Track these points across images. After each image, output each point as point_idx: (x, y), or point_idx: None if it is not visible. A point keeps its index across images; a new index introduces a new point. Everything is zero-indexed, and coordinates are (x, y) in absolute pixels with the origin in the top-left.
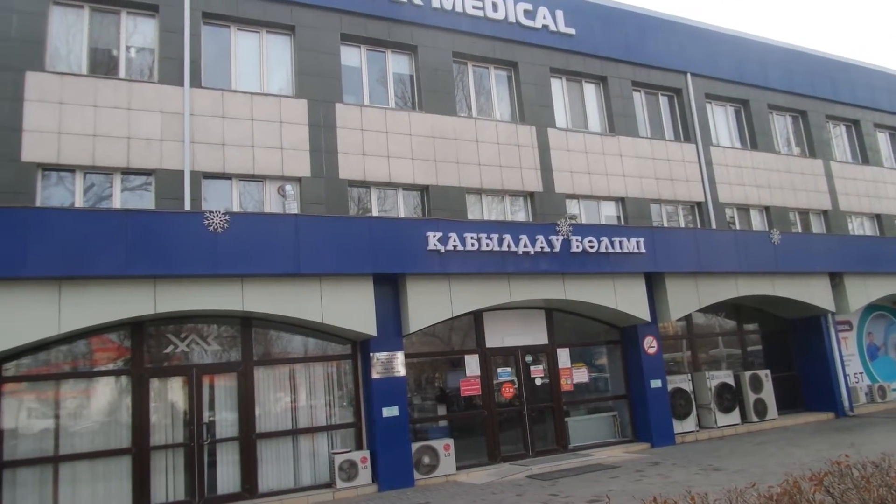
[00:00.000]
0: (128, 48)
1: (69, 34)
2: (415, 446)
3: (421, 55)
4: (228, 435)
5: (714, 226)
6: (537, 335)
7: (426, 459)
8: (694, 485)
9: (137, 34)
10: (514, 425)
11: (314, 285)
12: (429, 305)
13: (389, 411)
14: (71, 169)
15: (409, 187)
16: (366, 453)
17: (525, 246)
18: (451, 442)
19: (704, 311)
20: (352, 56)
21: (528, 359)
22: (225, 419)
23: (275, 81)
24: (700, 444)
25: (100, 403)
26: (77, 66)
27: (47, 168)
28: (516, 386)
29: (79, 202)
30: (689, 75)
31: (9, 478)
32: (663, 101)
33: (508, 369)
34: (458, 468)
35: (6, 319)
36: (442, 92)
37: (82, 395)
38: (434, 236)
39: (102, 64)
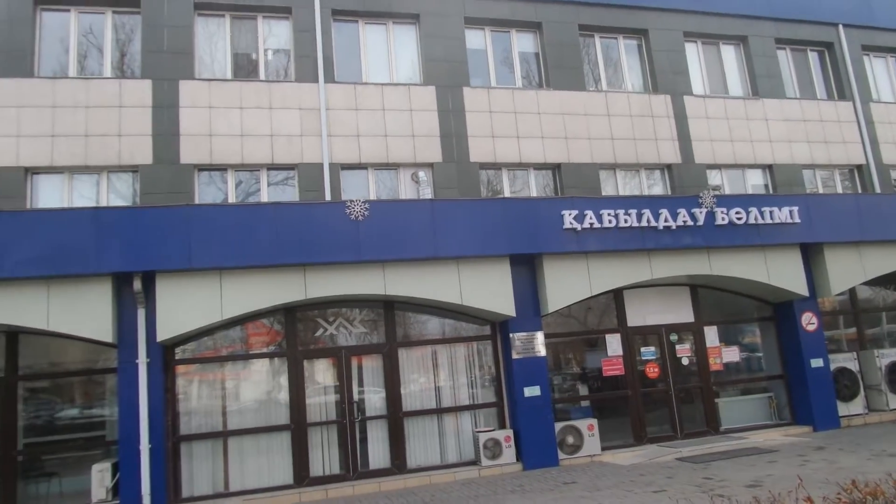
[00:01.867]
0: (265, 51)
1: (212, 42)
2: (558, 426)
3: (546, 31)
4: (377, 413)
5: (878, 190)
6: (682, 313)
7: (570, 439)
8: (866, 471)
9: (273, 37)
10: (660, 406)
11: (452, 268)
12: (567, 285)
13: (531, 391)
14: (223, 168)
15: (539, 166)
16: (509, 432)
17: (666, 220)
18: (594, 422)
19: (870, 283)
20: (476, 39)
21: (673, 337)
22: (373, 398)
23: (403, 71)
24: (870, 427)
25: (258, 383)
26: (222, 71)
27: (202, 168)
28: (661, 365)
29: (231, 198)
30: (841, 27)
31: (186, 450)
32: (812, 57)
33: (652, 348)
34: (603, 449)
35: (177, 308)
36: (569, 67)
37: (243, 375)
38: (570, 215)
39: (244, 68)
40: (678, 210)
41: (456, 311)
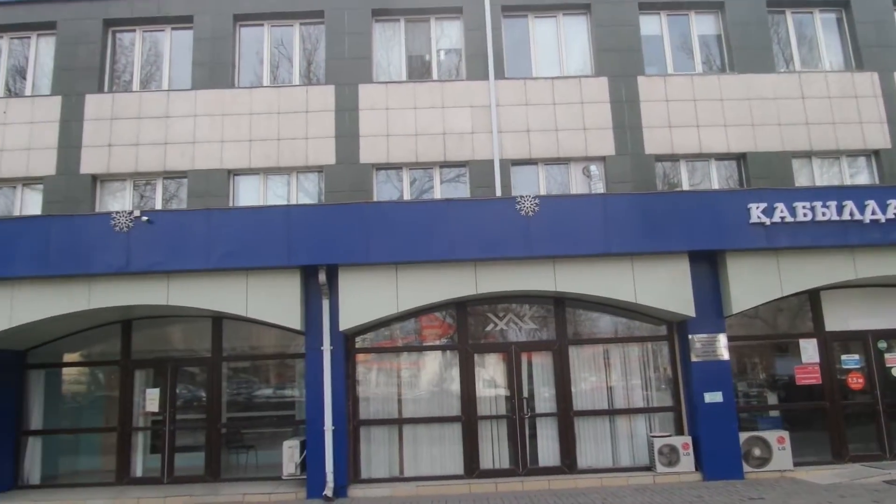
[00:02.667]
0: (438, 51)
1: (388, 46)
2: (742, 436)
3: (729, 11)
4: (547, 410)
5: None
6: (893, 317)
7: (756, 451)
8: None
9: (445, 37)
10: (865, 421)
11: (625, 265)
12: (753, 284)
13: (712, 397)
14: (398, 166)
15: (722, 157)
16: (687, 439)
17: (873, 213)
18: (785, 434)
19: None
20: (651, 25)
21: (882, 345)
22: (543, 395)
23: (573, 63)
24: None
25: (431, 374)
26: (397, 74)
27: (380, 167)
28: (866, 376)
29: (406, 195)
30: None
31: (365, 434)
32: None
33: (856, 356)
34: (795, 464)
35: (358, 300)
36: (755, 48)
37: (416, 366)
38: (757, 208)
39: (417, 69)
40: (888, 201)
41: (629, 309)
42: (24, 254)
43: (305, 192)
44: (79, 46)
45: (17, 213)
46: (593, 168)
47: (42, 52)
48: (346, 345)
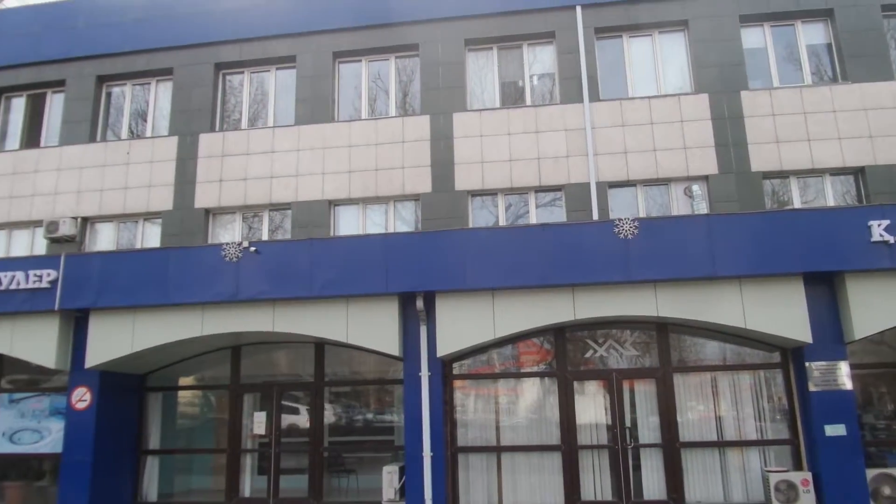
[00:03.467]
0: (531, 76)
1: (481, 74)
2: (870, 473)
3: (839, 18)
4: (651, 441)
5: None
6: None
7: (886, 490)
8: None
9: (538, 62)
10: None
11: (733, 288)
12: (878, 308)
13: (833, 429)
14: (493, 192)
15: (837, 172)
16: (807, 475)
17: None
18: None
19: None
20: (754, 37)
21: None
22: (646, 424)
23: (671, 81)
24: None
25: (529, 401)
26: (491, 101)
27: (475, 194)
28: None
29: (501, 221)
30: None
31: (463, 461)
32: None
33: None
34: None
35: (454, 326)
36: (870, 55)
37: (514, 392)
38: (879, 225)
39: (510, 95)
40: None
41: (738, 335)
42: (145, 283)
43: (402, 220)
44: (193, 89)
45: (138, 245)
46: (695, 188)
47: (160, 97)
48: (444, 371)
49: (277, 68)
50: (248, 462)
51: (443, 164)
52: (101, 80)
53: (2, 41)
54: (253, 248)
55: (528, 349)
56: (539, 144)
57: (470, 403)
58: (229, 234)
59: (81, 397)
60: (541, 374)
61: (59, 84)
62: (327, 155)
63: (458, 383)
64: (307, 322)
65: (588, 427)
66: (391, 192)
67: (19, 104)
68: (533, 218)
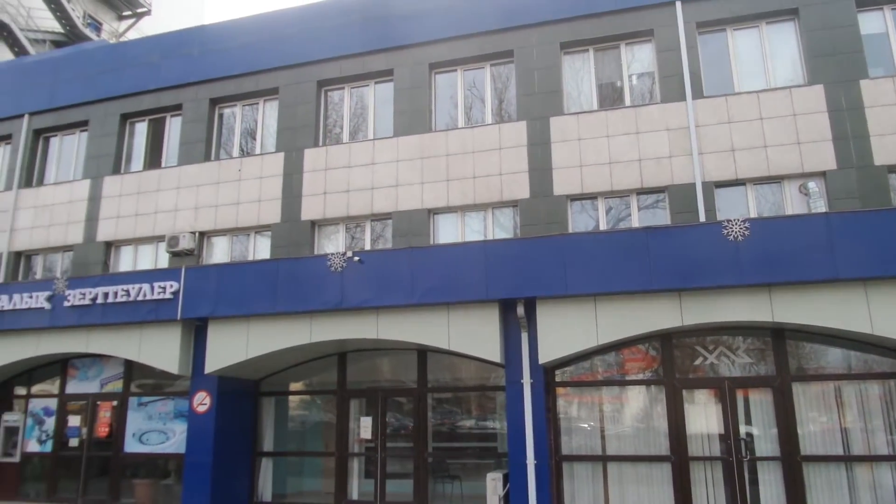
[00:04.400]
0: (629, 76)
1: (578, 77)
2: None
3: None
4: (769, 453)
5: None
6: None
7: None
8: None
9: (636, 62)
10: None
11: (857, 291)
12: None
13: None
14: (593, 196)
15: None
16: None
17: None
18: None
19: None
20: (873, 22)
21: None
22: (763, 436)
23: (781, 73)
24: None
25: (635, 410)
26: (588, 103)
27: (574, 198)
28: None
29: (602, 225)
30: None
31: (567, 470)
32: None
33: None
34: None
35: (556, 333)
36: None
37: (619, 401)
38: None
39: (608, 96)
40: None
41: (864, 341)
42: (257, 293)
43: (501, 226)
44: (297, 107)
45: (250, 257)
46: (812, 185)
47: (268, 115)
48: (546, 378)
49: (376, 82)
50: (356, 466)
51: (540, 169)
52: (214, 102)
53: (125, 71)
54: (357, 258)
55: (632, 356)
56: (640, 145)
57: (573, 411)
58: (333, 244)
59: (202, 401)
60: (647, 382)
61: (176, 108)
62: (425, 164)
63: (560, 390)
64: (409, 329)
65: (699, 437)
66: (489, 199)
67: (142, 129)
68: (635, 221)
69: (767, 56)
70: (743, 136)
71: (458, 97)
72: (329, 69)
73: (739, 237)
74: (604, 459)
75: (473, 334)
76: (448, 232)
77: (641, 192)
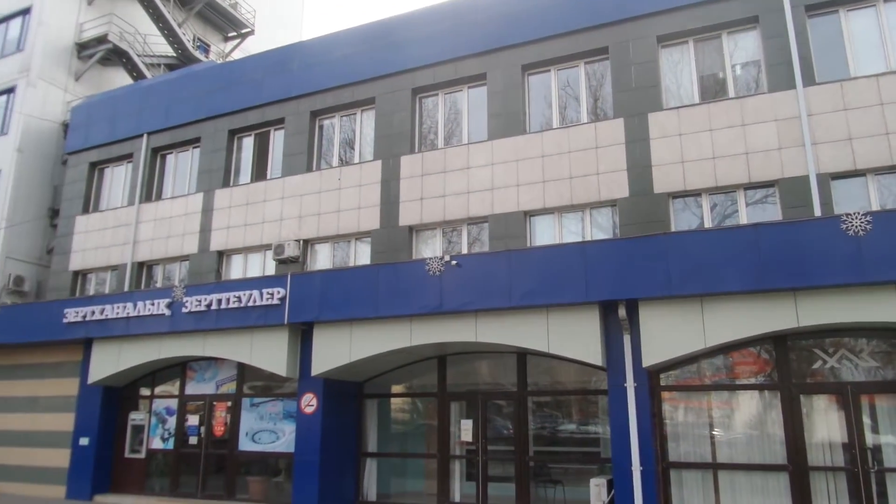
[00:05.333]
0: (733, 67)
1: (676, 70)
2: None
3: None
4: None
5: None
6: None
7: None
8: None
9: (739, 50)
10: None
11: None
12: None
13: None
14: (696, 193)
15: None
16: None
17: None
18: None
19: None
20: None
21: None
22: (891, 446)
23: None
24: None
25: (747, 415)
26: (688, 97)
27: (676, 195)
28: None
29: (707, 223)
30: None
31: (675, 477)
32: None
33: None
34: None
35: (660, 335)
36: None
37: (728, 406)
38: None
39: (710, 88)
40: None
41: None
42: (359, 298)
43: (599, 227)
44: (393, 115)
45: (351, 263)
46: None
47: (365, 125)
48: (651, 382)
49: (469, 87)
50: (457, 468)
51: (639, 167)
52: (315, 114)
53: (232, 89)
54: (454, 262)
55: (743, 359)
56: (746, 138)
57: (679, 416)
58: (430, 249)
59: (309, 402)
60: (760, 387)
61: (279, 122)
62: (521, 167)
63: (666, 395)
64: (508, 332)
65: (819, 446)
66: (587, 199)
67: (248, 143)
68: (743, 217)
69: (887, 36)
70: (861, 124)
71: (552, 97)
72: (423, 76)
73: (860, 232)
74: (714, 467)
75: (573, 337)
76: (545, 234)
77: (749, 186)
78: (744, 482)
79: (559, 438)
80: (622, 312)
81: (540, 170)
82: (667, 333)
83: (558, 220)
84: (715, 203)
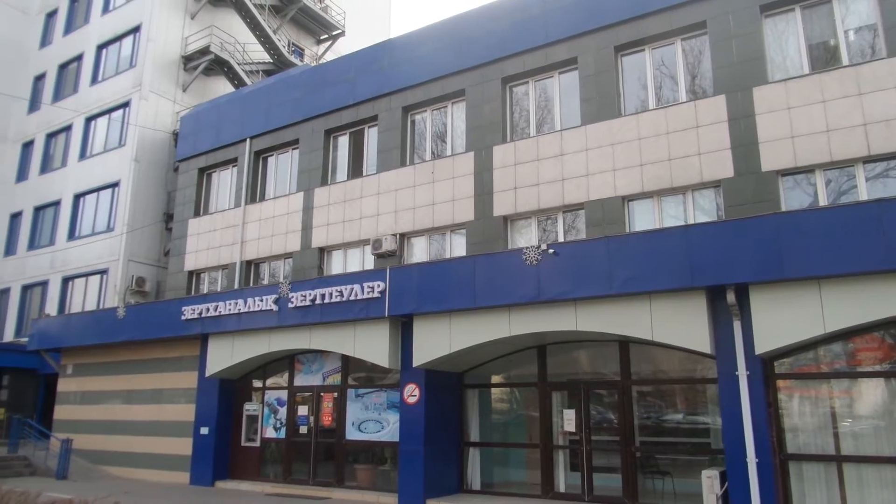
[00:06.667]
0: (845, 32)
1: (782, 40)
2: None
3: None
4: None
5: None
6: None
7: None
8: None
9: (852, 14)
10: None
11: None
12: None
13: None
14: (808, 170)
15: None
16: None
17: None
18: None
19: None
20: None
21: None
22: None
23: None
24: None
25: (872, 405)
26: (795, 68)
27: (785, 173)
28: None
29: (821, 200)
30: None
31: (794, 470)
32: None
33: None
34: None
35: (774, 320)
36: None
37: (850, 395)
38: None
39: (820, 58)
40: None
41: None
42: (456, 290)
43: (701, 209)
44: (483, 106)
45: (447, 255)
46: None
47: (455, 117)
48: (765, 370)
49: (560, 72)
50: (561, 458)
51: (745, 145)
52: (406, 110)
53: (326, 90)
54: (552, 251)
55: (866, 345)
56: (864, 108)
57: (795, 406)
58: (525, 238)
59: (411, 393)
60: (887, 374)
61: (372, 119)
62: (616, 151)
63: (781, 383)
64: (610, 320)
65: None
66: (687, 181)
67: (344, 141)
68: (862, 193)
69: None
70: None
71: (647, 78)
72: (512, 65)
73: None
74: (838, 459)
75: (679, 324)
76: (644, 219)
77: (868, 160)
78: (872, 476)
79: (665, 429)
80: (731, 298)
81: (637, 153)
82: (781, 319)
83: (658, 204)
84: (829, 179)
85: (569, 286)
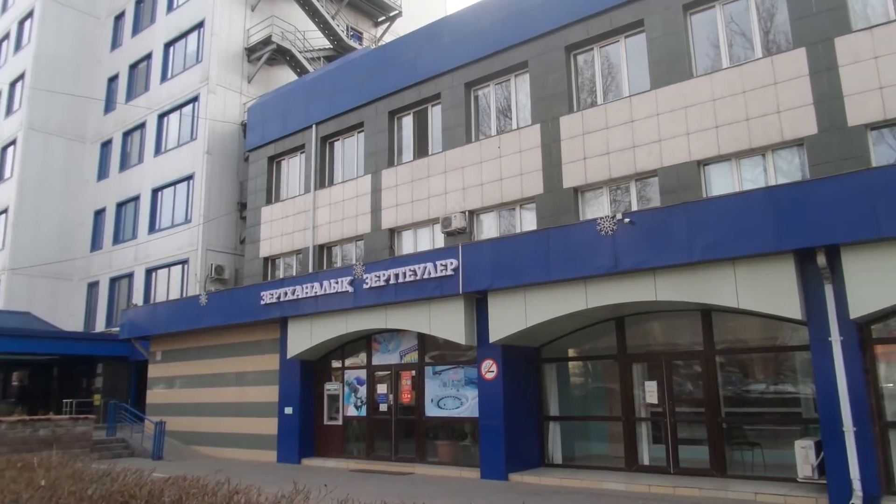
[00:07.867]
0: None
1: None
2: None
3: None
4: None
5: None
6: None
7: None
8: None
9: None
10: None
11: None
12: None
13: None
14: None
15: None
16: None
17: None
18: None
19: None
20: None
21: None
22: None
23: None
24: None
25: None
26: (880, 14)
27: (875, 126)
28: None
29: None
30: None
31: (895, 439)
32: None
33: None
34: None
35: (868, 283)
36: None
37: None
38: None
39: None
40: None
41: None
42: (530, 264)
43: (781, 171)
44: (548, 76)
45: (517, 230)
46: None
47: (519, 90)
48: (861, 335)
49: (626, 37)
50: (644, 431)
51: (828, 99)
52: (469, 86)
53: (388, 71)
54: (628, 220)
55: None
56: None
57: (895, 372)
58: (595, 209)
59: (489, 369)
60: None
61: (435, 98)
62: (689, 114)
63: (880, 348)
64: (691, 289)
65: None
66: (767, 141)
67: (408, 122)
68: None
69: None
70: None
71: (719, 35)
72: (575, 32)
73: None
74: None
75: (766, 290)
76: (721, 183)
77: None
78: None
79: (750, 399)
80: (822, 260)
81: (711, 115)
82: (877, 280)
83: (736, 166)
84: None
85: (647, 255)
